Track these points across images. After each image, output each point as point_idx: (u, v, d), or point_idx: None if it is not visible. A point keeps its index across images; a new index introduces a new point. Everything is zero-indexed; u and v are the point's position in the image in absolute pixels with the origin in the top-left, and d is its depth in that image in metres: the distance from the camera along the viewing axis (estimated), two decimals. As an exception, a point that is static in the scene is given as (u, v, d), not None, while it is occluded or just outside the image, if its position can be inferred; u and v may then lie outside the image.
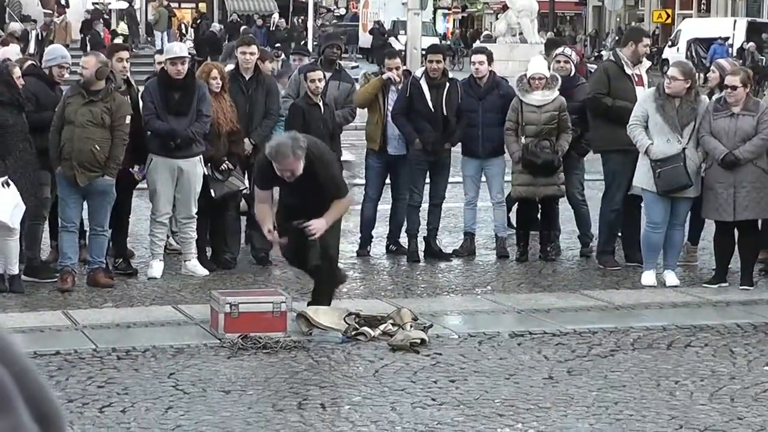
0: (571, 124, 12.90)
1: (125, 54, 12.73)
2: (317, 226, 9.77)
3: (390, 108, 13.08)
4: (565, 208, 13.57)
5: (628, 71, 12.75)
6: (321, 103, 12.72)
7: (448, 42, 61.75)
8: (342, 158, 12.44)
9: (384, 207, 13.71)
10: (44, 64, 12.03)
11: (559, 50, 14.02)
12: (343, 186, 10.12)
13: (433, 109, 12.88)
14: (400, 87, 13.15)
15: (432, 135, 12.84)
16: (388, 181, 13.58)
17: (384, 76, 13.16)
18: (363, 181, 13.82)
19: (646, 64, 13.02)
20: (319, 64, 13.62)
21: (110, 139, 11.29)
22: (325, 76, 12.94)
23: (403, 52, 29.57)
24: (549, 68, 13.26)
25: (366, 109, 13.41)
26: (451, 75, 13.38)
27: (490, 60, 13.45)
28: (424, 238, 13.20)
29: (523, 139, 12.78)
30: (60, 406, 0.77)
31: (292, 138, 9.77)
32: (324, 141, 12.65)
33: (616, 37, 64.41)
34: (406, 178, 13.30)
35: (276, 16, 60.77)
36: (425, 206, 13.29)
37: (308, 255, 9.90)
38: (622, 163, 12.53)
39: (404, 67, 13.80)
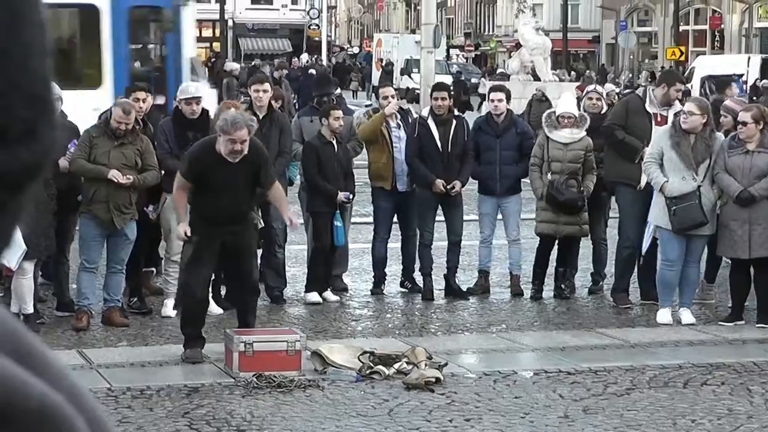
0: (600, 160, 12.87)
1: (142, 94, 12.77)
2: (292, 216, 10.52)
3: (396, 145, 13.11)
4: (583, 245, 13.51)
5: (650, 109, 12.70)
6: (335, 141, 12.77)
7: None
8: None
9: (392, 244, 13.68)
10: None
11: (591, 87, 14.08)
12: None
13: (441, 149, 12.90)
14: (399, 122, 13.21)
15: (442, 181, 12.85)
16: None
17: (387, 111, 13.17)
18: (371, 220, 13.82)
19: (677, 107, 12.88)
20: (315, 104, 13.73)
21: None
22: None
23: (417, 91, 29.67)
24: (580, 106, 13.33)
25: (370, 148, 13.34)
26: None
27: (509, 98, 13.48)
28: (444, 276, 13.18)
29: (549, 176, 12.77)
30: None
31: (243, 115, 10.64)
32: (338, 179, 12.71)
33: (629, 74, 64.49)
34: (415, 214, 13.30)
35: (305, 56, 60.66)
36: (441, 244, 13.27)
37: (249, 269, 10.34)
38: (631, 198, 12.54)
39: (400, 103, 13.84)
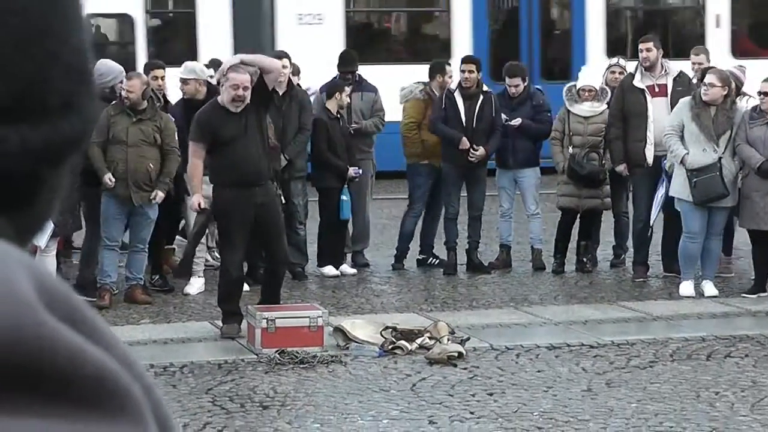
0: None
1: (161, 72, 12.76)
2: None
3: None
4: (604, 218, 13.48)
5: (640, 84, 12.63)
6: (340, 117, 12.86)
7: None
8: None
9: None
10: (105, 83, 11.70)
11: (614, 61, 14.04)
12: None
13: (465, 123, 12.88)
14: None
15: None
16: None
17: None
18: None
19: (674, 72, 12.82)
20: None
21: (160, 158, 11.38)
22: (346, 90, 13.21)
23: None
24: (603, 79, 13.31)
25: (420, 126, 13.32)
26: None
27: (524, 79, 13.39)
28: (466, 250, 13.18)
29: (570, 149, 12.76)
30: (177, 423, 0.79)
31: (243, 62, 10.53)
32: (343, 153, 12.78)
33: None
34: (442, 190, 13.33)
35: None
36: (461, 219, 13.27)
37: (277, 245, 10.34)
38: (640, 176, 12.57)
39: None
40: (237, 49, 19.21)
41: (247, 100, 10.11)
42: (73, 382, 0.73)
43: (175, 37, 21.22)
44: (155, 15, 20.79)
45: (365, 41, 20.80)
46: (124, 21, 20.28)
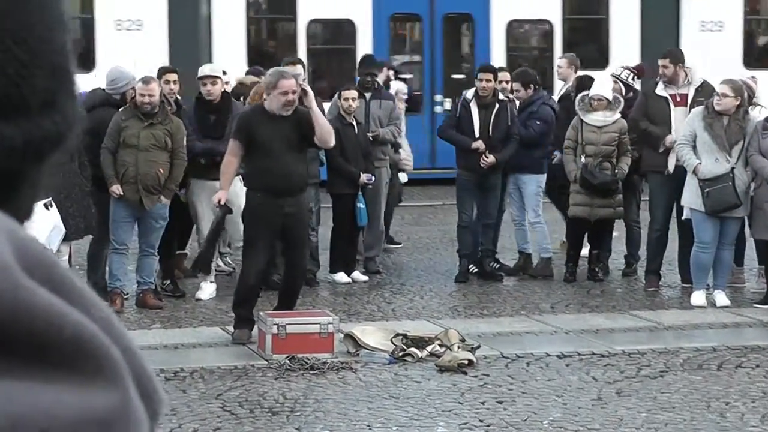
0: (633, 141, 12.85)
1: (173, 76, 12.77)
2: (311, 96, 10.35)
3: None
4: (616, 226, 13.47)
5: (663, 93, 12.63)
6: (355, 123, 12.82)
7: None
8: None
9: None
10: (117, 89, 11.83)
11: (611, 71, 14.08)
12: None
13: (479, 132, 12.86)
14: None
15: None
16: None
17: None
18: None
19: (697, 82, 12.80)
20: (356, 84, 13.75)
21: (170, 163, 11.39)
22: (365, 97, 13.17)
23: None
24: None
25: None
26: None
27: (527, 85, 13.40)
28: (478, 258, 13.17)
29: (582, 159, 12.75)
30: (161, 387, 0.79)
31: (285, 68, 11.13)
32: (359, 160, 12.77)
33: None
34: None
35: None
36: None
37: (300, 252, 10.30)
38: (660, 182, 12.53)
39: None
40: (644, 54, 19.71)
41: (296, 103, 10.15)
42: (50, 344, 0.74)
43: (588, 42, 21.76)
44: (572, 21, 21.62)
45: (762, 48, 21.34)
46: (544, 26, 21.41)
